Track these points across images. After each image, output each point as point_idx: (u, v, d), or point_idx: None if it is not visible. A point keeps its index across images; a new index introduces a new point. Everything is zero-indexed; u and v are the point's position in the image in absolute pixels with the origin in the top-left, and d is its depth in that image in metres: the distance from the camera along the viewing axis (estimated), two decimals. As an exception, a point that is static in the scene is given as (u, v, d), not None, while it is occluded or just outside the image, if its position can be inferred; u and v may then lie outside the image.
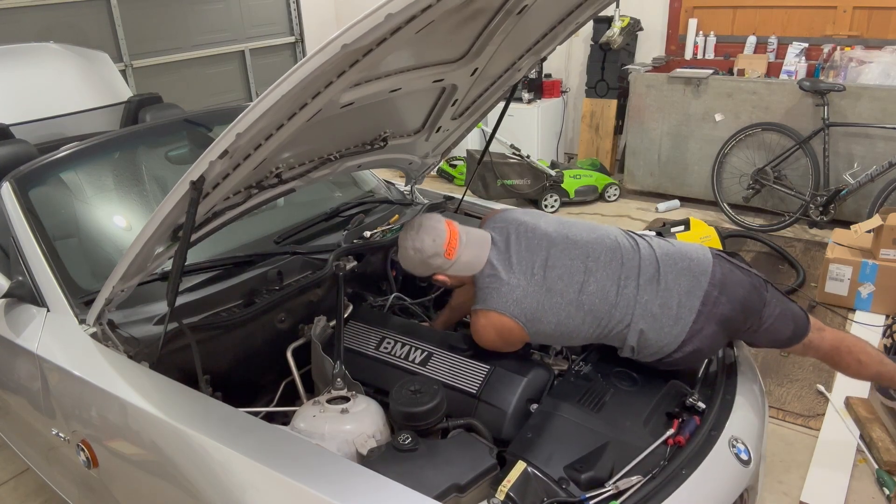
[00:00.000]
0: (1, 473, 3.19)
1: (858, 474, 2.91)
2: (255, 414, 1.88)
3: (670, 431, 1.82)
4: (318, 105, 1.68)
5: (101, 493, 2.16)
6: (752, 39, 5.86)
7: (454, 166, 6.95)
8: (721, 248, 4.76)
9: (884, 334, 3.85)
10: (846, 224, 4.63)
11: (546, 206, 6.12)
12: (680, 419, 1.89)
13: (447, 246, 2.13)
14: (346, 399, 1.93)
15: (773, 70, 5.67)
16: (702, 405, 1.95)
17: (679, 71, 5.89)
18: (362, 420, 1.86)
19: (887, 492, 2.78)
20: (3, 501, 3.02)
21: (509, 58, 2.41)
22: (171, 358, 2.11)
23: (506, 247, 2.16)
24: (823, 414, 3.28)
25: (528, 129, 6.78)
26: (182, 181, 1.65)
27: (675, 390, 2.03)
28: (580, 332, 2.08)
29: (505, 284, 2.07)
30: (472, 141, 6.87)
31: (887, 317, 4.07)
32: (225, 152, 1.57)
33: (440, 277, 2.20)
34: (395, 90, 2.03)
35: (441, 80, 2.20)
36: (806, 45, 5.58)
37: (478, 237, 2.18)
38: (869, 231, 4.18)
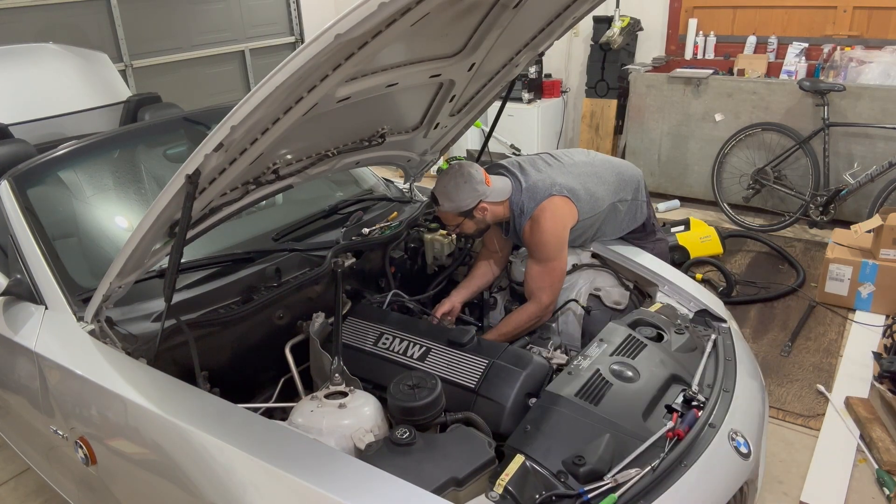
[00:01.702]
0: (1, 473, 3.18)
1: (858, 474, 2.89)
2: (254, 410, 1.88)
3: (669, 424, 1.81)
4: (313, 99, 1.68)
5: (99, 491, 2.15)
6: (752, 39, 5.86)
7: (454, 167, 6.94)
8: (721, 249, 4.80)
9: (884, 334, 3.84)
10: (846, 224, 4.63)
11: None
12: (679, 412, 1.88)
13: (484, 175, 2.58)
14: (344, 394, 1.93)
15: (773, 70, 5.66)
16: (701, 398, 1.94)
17: (679, 71, 5.89)
18: (360, 415, 1.86)
19: (887, 492, 2.77)
20: (3, 501, 3.02)
21: (507, 53, 2.42)
22: (168, 354, 2.11)
23: (517, 168, 2.70)
24: (823, 414, 3.27)
25: (528, 129, 6.78)
26: (178, 175, 1.64)
27: (675, 383, 2.02)
28: (603, 195, 2.72)
29: (537, 180, 2.62)
30: (472, 140, 6.88)
31: (887, 317, 4.06)
32: (220, 145, 1.57)
33: (484, 205, 2.58)
34: (392, 85, 2.03)
35: (438, 75, 2.20)
36: (806, 45, 5.57)
37: (492, 174, 2.67)
38: (869, 231, 4.17)
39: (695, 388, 1.99)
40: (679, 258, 4.64)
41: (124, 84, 4.52)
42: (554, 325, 2.67)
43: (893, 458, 2.89)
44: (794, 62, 5.52)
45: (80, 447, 2.04)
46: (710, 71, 5.76)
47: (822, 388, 3.45)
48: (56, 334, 2.18)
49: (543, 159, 2.78)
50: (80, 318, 2.15)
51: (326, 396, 1.93)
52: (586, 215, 2.66)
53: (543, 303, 2.58)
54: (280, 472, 1.57)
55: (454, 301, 2.76)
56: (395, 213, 3.00)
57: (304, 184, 2.33)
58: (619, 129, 6.65)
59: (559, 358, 2.27)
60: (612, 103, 6.55)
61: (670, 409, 1.90)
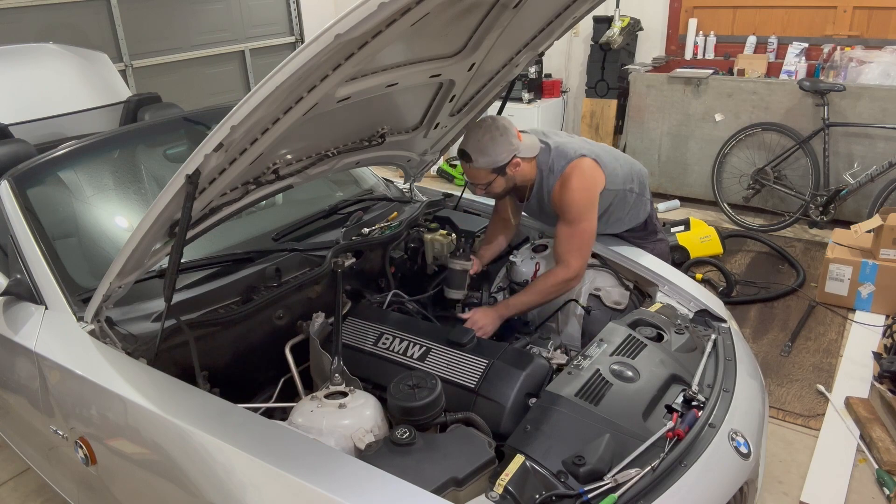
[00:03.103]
0: (1, 473, 3.18)
1: (858, 474, 2.90)
2: (254, 410, 1.88)
3: (669, 424, 1.81)
4: (314, 99, 1.68)
5: (100, 491, 2.15)
6: (752, 39, 5.86)
7: (454, 166, 6.95)
8: (721, 249, 4.80)
9: (884, 334, 3.85)
10: (846, 224, 4.63)
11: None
12: (679, 412, 1.88)
13: (515, 129, 2.53)
14: (344, 394, 1.93)
15: (773, 70, 5.67)
16: (701, 398, 1.94)
17: (679, 71, 5.89)
18: (360, 415, 1.86)
19: (887, 492, 2.77)
20: (3, 501, 3.02)
21: (507, 53, 2.42)
22: (168, 355, 2.11)
23: (540, 133, 2.67)
24: (823, 414, 3.27)
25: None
26: (178, 175, 1.65)
27: (675, 383, 2.02)
28: (621, 174, 2.70)
29: (565, 142, 2.62)
30: (472, 141, 6.87)
31: (887, 317, 4.06)
32: (220, 145, 1.57)
33: (517, 160, 2.52)
34: (392, 85, 2.03)
35: (438, 75, 2.21)
36: (806, 45, 5.58)
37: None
38: (869, 231, 4.18)
39: (695, 388, 1.99)
40: (679, 258, 4.64)
41: (124, 84, 4.51)
42: (554, 325, 2.67)
43: (893, 458, 2.89)
44: (794, 62, 5.52)
45: (80, 447, 2.04)
46: (710, 71, 5.76)
47: (822, 388, 3.45)
48: (56, 334, 2.18)
49: (562, 132, 2.77)
50: (80, 318, 2.14)
51: (326, 396, 1.93)
52: (609, 186, 2.64)
53: (573, 267, 2.53)
54: (280, 472, 1.57)
55: (484, 261, 2.80)
56: (395, 213, 3.00)
57: (304, 184, 2.33)
58: (619, 129, 6.65)
59: (559, 358, 2.27)
60: (612, 103, 6.55)
61: (670, 409, 1.90)
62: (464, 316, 2.56)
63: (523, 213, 2.91)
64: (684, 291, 2.59)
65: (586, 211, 2.53)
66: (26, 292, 2.30)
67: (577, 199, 2.52)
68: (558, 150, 2.57)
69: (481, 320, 2.52)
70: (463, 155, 2.53)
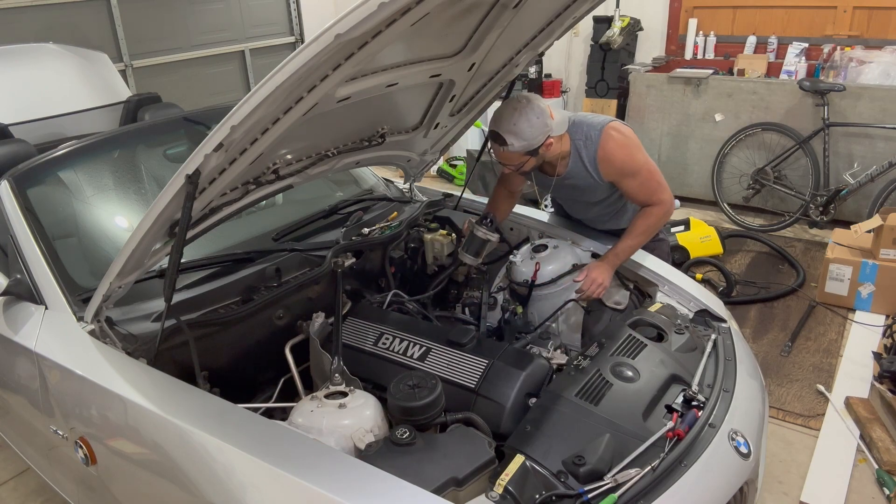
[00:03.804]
0: (1, 473, 3.18)
1: (858, 474, 2.90)
2: (254, 410, 1.88)
3: (669, 424, 1.81)
4: (313, 99, 1.68)
5: (99, 491, 2.15)
6: (752, 39, 5.86)
7: (454, 166, 6.95)
8: (721, 249, 4.80)
9: (884, 334, 3.85)
10: (846, 224, 4.63)
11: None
12: (679, 412, 1.88)
13: (548, 107, 2.46)
14: (344, 394, 1.93)
15: (773, 70, 5.67)
16: (701, 398, 1.94)
17: (679, 71, 5.89)
18: (360, 415, 1.86)
19: (887, 492, 2.77)
20: (3, 501, 3.02)
21: (507, 53, 2.42)
22: (168, 354, 2.11)
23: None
24: (823, 414, 3.27)
25: (527, 130, 6.76)
26: (178, 175, 1.65)
27: (675, 383, 2.02)
28: None
29: (583, 114, 2.61)
30: (472, 141, 6.87)
31: (887, 317, 4.06)
32: (220, 145, 1.57)
33: (550, 140, 2.45)
34: (392, 85, 2.03)
35: (438, 75, 2.21)
36: (806, 45, 5.58)
37: None
38: (869, 231, 4.18)
39: (695, 388, 1.99)
40: (679, 258, 4.64)
41: (124, 84, 4.52)
42: (554, 325, 2.67)
43: (893, 458, 2.89)
44: (794, 62, 5.52)
45: (80, 447, 2.04)
46: (710, 71, 5.76)
47: (822, 388, 3.45)
48: (56, 334, 2.18)
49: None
50: (80, 318, 2.14)
51: (326, 396, 1.93)
52: None
53: (665, 200, 2.60)
54: (280, 472, 1.57)
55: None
56: (395, 213, 3.00)
57: (304, 184, 2.33)
58: (618, 129, 6.64)
59: (559, 358, 2.27)
60: (612, 103, 6.54)
61: (670, 409, 1.90)
62: (578, 278, 2.57)
63: (547, 206, 2.92)
64: (684, 291, 2.59)
65: (638, 157, 2.57)
66: (26, 292, 2.30)
67: (627, 155, 2.54)
68: (585, 120, 2.59)
69: (600, 276, 2.54)
70: (496, 137, 2.43)
